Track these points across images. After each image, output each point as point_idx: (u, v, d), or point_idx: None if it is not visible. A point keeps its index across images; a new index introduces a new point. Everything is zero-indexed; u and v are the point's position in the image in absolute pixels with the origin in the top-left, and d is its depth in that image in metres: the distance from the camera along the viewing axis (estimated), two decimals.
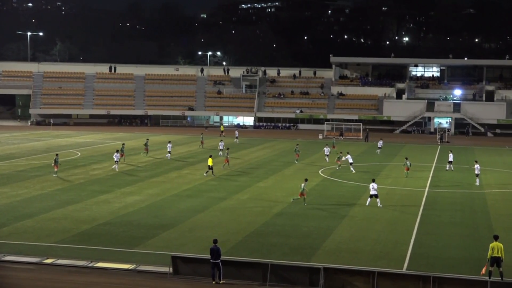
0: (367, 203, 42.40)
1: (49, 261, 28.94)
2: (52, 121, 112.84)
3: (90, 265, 28.43)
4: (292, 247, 31.91)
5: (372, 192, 42.22)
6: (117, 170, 56.46)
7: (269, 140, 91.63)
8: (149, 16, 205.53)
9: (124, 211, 39.82)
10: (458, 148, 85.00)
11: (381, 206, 41.81)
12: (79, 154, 69.18)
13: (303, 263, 28.20)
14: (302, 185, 42.69)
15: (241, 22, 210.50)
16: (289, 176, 55.83)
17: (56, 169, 53.47)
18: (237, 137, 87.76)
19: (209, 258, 26.45)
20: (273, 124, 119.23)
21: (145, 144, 68.89)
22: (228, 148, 64.02)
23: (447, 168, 61.35)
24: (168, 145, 67.70)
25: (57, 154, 56.13)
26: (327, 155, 66.38)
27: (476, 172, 53.12)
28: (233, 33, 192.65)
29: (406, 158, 59.18)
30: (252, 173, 56.92)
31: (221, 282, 26.31)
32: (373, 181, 43.09)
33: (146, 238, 33.11)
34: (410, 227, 36.63)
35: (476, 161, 54.98)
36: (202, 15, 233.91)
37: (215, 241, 26.76)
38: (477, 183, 52.50)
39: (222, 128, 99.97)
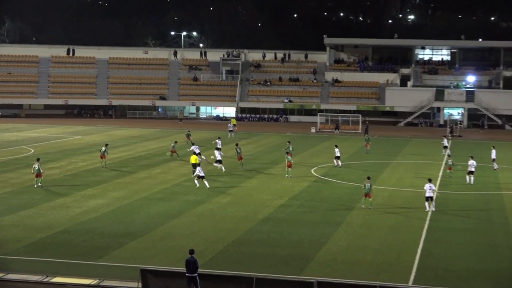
0: (427, 208, 42.43)
1: None
2: (0, 113, 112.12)
3: (46, 280, 28.30)
4: (281, 258, 31.95)
5: (429, 193, 42.25)
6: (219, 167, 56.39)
7: (254, 134, 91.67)
8: None
9: (85, 217, 39.67)
10: (472, 143, 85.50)
11: (434, 209, 42.22)
12: (32, 151, 68.85)
13: (294, 277, 28.23)
14: (367, 184, 42.91)
15: None
16: (277, 176, 55.84)
17: (103, 159, 58.34)
18: (231, 130, 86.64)
19: (185, 271, 26.42)
20: (258, 115, 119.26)
21: (173, 147, 65.66)
22: (237, 144, 62.45)
23: (495, 168, 61.26)
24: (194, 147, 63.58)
25: (106, 144, 60.51)
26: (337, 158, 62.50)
27: (470, 169, 53.27)
28: (211, 10, 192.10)
29: (449, 156, 59.08)
30: (234, 172, 56.87)
31: None
32: (430, 181, 43.19)
33: (111, 249, 33.02)
34: (416, 234, 36.78)
35: (472, 157, 55.06)
36: None
37: (191, 252, 26.71)
38: (468, 181, 52.94)
39: (233, 122, 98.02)
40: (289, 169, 55.27)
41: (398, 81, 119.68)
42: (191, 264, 26.25)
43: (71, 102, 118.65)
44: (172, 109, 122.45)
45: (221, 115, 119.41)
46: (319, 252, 32.93)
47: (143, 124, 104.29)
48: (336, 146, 63.33)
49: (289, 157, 56.09)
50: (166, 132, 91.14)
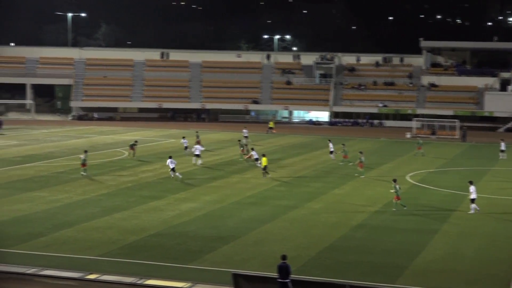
0: (472, 211, 43.16)
1: (92, 276, 29.55)
2: (95, 116, 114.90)
3: (139, 282, 28.87)
4: (374, 265, 31.77)
5: (474, 195, 43.18)
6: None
7: (347, 139, 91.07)
8: None
9: (178, 220, 40.32)
10: None
11: (472, 212, 42.93)
12: (126, 154, 70.23)
13: (388, 285, 28.07)
14: (397, 186, 43.84)
15: (314, 0, 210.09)
16: (370, 181, 55.49)
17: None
18: (246, 137, 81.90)
19: (277, 276, 26.53)
20: (352, 120, 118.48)
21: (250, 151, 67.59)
22: (239, 141, 67.47)
23: None
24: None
25: (136, 141, 69.26)
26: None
27: None
28: (304, 13, 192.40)
29: None
30: (327, 178, 56.83)
31: None
32: (471, 183, 43.81)
33: (203, 252, 33.45)
34: None
35: None
36: None
37: (283, 257, 26.80)
38: None
39: (271, 125, 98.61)
40: (361, 169, 57.49)
41: (497, 86, 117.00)
42: (284, 270, 26.32)
43: (165, 105, 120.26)
44: (265, 113, 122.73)
45: (313, 119, 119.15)
46: (414, 261, 32.57)
47: (235, 128, 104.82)
48: (330, 141, 69.40)
49: (362, 158, 57.87)
50: (259, 136, 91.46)
